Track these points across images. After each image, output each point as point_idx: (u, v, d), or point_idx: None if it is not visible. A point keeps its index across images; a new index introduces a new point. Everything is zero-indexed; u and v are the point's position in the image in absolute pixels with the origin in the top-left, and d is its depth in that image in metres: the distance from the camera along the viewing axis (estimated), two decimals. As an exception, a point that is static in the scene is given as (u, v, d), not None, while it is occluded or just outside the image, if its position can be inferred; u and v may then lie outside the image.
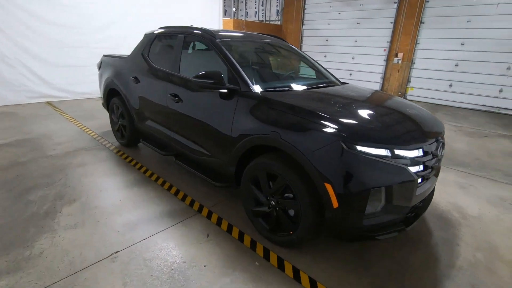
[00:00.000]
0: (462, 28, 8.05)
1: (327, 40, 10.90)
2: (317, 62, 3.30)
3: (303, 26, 11.49)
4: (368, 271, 2.02)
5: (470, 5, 7.82)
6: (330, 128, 1.80)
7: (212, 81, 2.28)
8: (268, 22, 12.07)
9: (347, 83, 3.08)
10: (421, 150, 1.90)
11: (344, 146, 1.72)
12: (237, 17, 12.43)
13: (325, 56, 11.01)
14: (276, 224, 2.16)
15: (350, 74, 10.46)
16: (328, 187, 1.73)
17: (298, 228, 1.98)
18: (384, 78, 9.74)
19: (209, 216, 2.56)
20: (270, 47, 3.28)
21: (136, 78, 3.40)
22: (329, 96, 2.49)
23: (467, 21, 7.96)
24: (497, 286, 1.95)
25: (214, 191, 2.96)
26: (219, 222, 2.47)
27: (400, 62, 9.27)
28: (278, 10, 12.03)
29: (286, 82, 2.82)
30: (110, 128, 4.38)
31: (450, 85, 8.51)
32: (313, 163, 1.77)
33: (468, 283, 1.95)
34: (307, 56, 3.35)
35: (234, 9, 12.12)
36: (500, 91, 7.79)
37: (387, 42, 9.43)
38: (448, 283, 1.94)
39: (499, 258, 2.21)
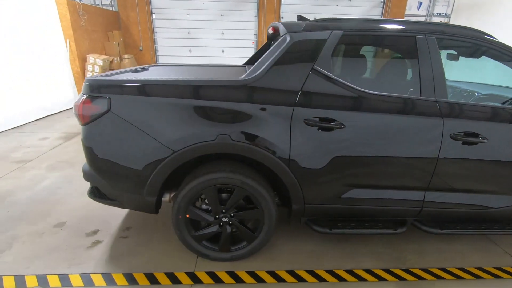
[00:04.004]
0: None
1: (189, 33, 9.69)
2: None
3: (154, 15, 9.45)
4: None
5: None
6: None
7: None
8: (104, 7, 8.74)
9: None
10: None
11: None
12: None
13: (190, 51, 9.86)
14: None
15: (221, 68, 10.11)
16: None
17: None
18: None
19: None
20: None
21: (329, 120, 1.73)
22: None
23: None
24: None
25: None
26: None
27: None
28: (109, -8, 9.02)
29: None
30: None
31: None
32: None
33: None
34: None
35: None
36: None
37: (254, 35, 9.81)
38: None
39: None
